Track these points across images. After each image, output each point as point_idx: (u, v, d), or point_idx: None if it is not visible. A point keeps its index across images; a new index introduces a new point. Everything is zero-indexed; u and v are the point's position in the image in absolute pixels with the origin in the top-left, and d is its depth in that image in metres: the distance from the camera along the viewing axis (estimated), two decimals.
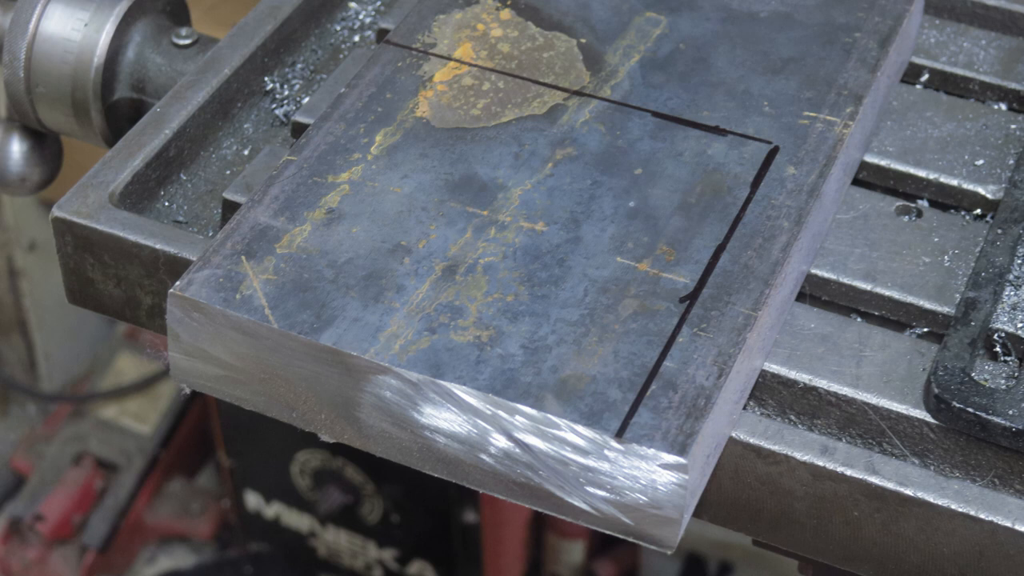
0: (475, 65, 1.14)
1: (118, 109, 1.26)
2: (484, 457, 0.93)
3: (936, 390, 0.96)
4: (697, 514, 0.99)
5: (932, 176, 1.13)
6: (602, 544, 2.47)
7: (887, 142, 1.16)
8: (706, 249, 1.00)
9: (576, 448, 0.90)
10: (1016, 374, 1.00)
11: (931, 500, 0.94)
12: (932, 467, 0.98)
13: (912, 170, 1.14)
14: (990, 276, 1.03)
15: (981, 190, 1.12)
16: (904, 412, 0.98)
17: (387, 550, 2.44)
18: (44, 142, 1.33)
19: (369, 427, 0.95)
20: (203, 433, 2.69)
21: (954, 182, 1.13)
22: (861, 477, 0.95)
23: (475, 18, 1.18)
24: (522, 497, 0.93)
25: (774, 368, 1.00)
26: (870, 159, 1.15)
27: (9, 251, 2.63)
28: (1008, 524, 0.93)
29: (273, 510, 2.51)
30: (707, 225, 1.02)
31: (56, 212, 1.09)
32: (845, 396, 0.99)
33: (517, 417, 0.91)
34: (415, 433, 0.94)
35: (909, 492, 0.95)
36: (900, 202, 1.12)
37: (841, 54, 1.15)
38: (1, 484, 2.67)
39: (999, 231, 1.07)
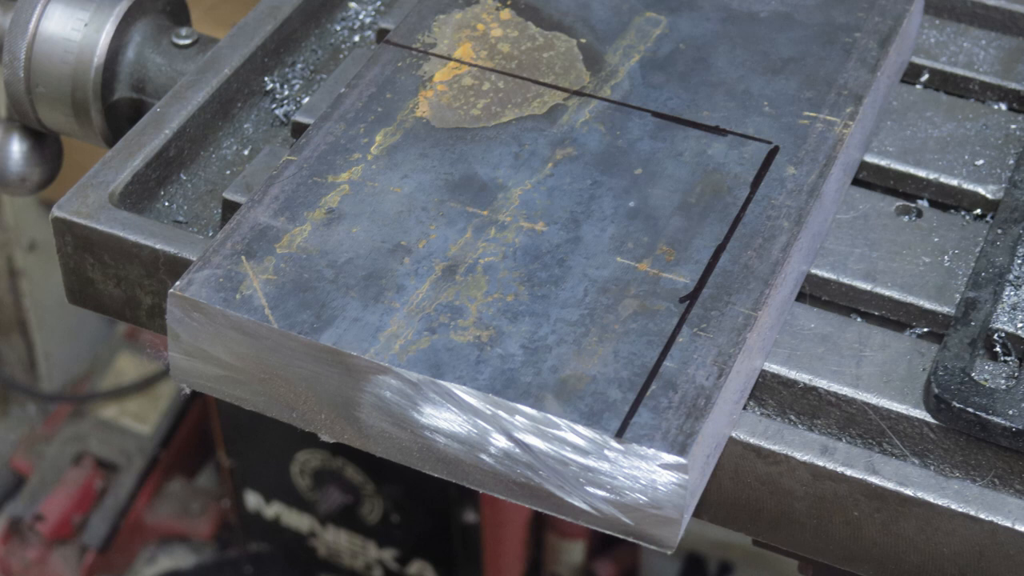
0: (475, 65, 1.14)
1: (118, 109, 1.26)
2: (484, 457, 0.93)
3: (936, 390, 0.96)
4: (697, 514, 0.99)
5: (932, 176, 1.13)
6: (602, 544, 2.47)
7: (887, 142, 1.16)
8: (706, 249, 1.00)
9: (576, 448, 0.90)
10: (1016, 374, 1.00)
11: (931, 500, 0.94)
12: (932, 467, 0.98)
13: (912, 170, 1.14)
14: (990, 276, 1.03)
15: (981, 190, 1.12)
16: (904, 412, 0.98)
17: (387, 550, 2.44)
18: (44, 142, 1.33)
19: (369, 427, 0.95)
20: (203, 433, 2.69)
21: (954, 182, 1.13)
22: (861, 477, 0.95)
23: (475, 18, 1.18)
24: (522, 497, 0.93)
25: (774, 368, 1.00)
26: (870, 159, 1.15)
27: (9, 251, 2.63)
28: (1008, 524, 0.93)
29: (273, 510, 2.51)
30: (707, 225, 1.02)
31: (56, 212, 1.09)
32: (845, 396, 0.99)
33: (517, 417, 0.91)
34: (415, 433, 0.94)
35: (909, 492, 0.95)
36: (900, 202, 1.12)
37: (841, 54, 1.15)
38: (1, 484, 2.67)
39: (999, 231, 1.07)
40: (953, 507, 0.94)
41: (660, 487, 0.89)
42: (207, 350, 0.97)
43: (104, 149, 1.22)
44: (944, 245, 1.09)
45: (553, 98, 1.11)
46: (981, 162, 1.14)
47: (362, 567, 2.50)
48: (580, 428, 0.90)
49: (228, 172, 1.17)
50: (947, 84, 1.22)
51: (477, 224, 1.02)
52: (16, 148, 1.32)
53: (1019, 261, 1.05)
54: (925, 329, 1.05)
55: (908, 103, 1.19)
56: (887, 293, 1.05)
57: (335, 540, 2.49)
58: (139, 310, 1.11)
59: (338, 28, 1.29)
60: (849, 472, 0.95)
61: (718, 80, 1.13)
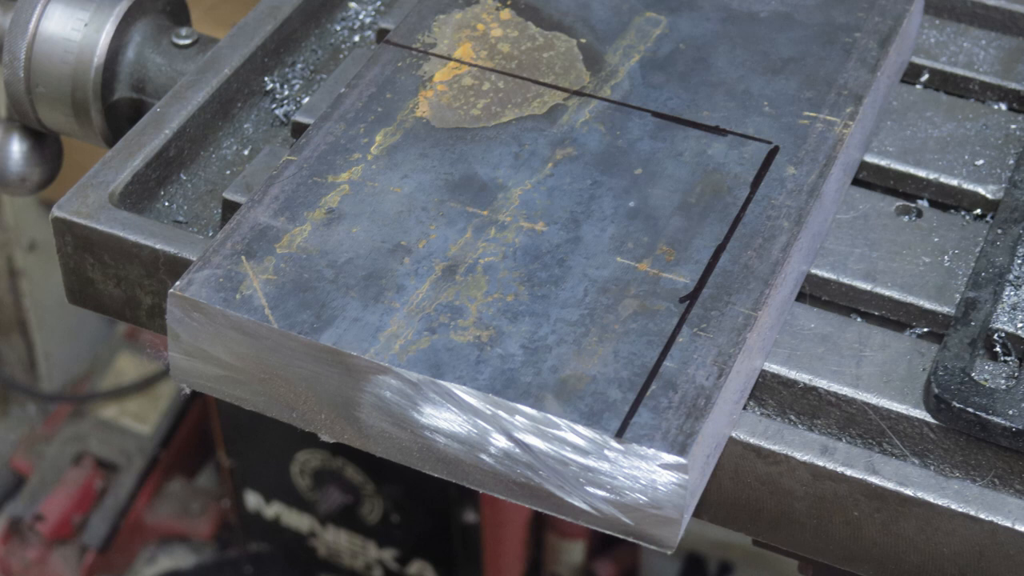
0: (475, 65, 1.14)
1: (118, 109, 1.26)
2: (484, 457, 0.93)
3: (936, 390, 0.96)
4: (697, 514, 0.99)
5: (932, 176, 1.13)
6: (602, 544, 2.47)
7: (887, 142, 1.16)
8: (706, 249, 1.00)
9: (576, 448, 0.90)
10: (1016, 374, 1.00)
11: (931, 500, 0.94)
12: (932, 467, 0.98)
13: (912, 170, 1.14)
14: (990, 276, 1.03)
15: (981, 190, 1.12)
16: (904, 412, 0.98)
17: (387, 550, 2.44)
18: (44, 142, 1.33)
19: (369, 427, 0.95)
20: (203, 433, 2.69)
21: (954, 182, 1.13)
22: (861, 477, 0.95)
23: (475, 18, 1.18)
24: (522, 497, 0.93)
25: (774, 368, 1.00)
26: (870, 159, 1.15)
27: (9, 251, 2.63)
28: (1008, 524, 0.93)
29: (273, 510, 2.51)
30: (707, 225, 1.02)
31: (56, 212, 1.09)
32: (845, 396, 0.99)
33: (517, 417, 0.91)
34: (415, 433, 0.94)
35: (909, 492, 0.95)
36: (900, 202, 1.12)
37: (841, 54, 1.15)
38: (1, 484, 2.67)
39: (999, 231, 1.07)
40: (953, 507, 0.94)
41: (660, 487, 0.89)
42: (207, 350, 0.97)
43: (104, 149, 1.22)
44: (944, 245, 1.09)
45: (553, 98, 1.11)
46: (981, 162, 1.14)
47: (362, 567, 2.50)
48: (580, 428, 0.90)
49: (228, 172, 1.17)
50: (947, 84, 1.22)
51: (477, 224, 1.02)
52: (16, 148, 1.32)
53: (1019, 261, 1.05)
54: (925, 329, 1.05)
55: (908, 103, 1.19)
56: (887, 293, 1.05)
57: (335, 540, 2.49)
58: (139, 310, 1.11)
59: (338, 28, 1.29)
60: (849, 472, 0.95)
61: (718, 80, 1.13)
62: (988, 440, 0.96)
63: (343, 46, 1.28)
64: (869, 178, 1.15)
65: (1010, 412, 0.95)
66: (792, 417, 1.01)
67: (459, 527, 2.33)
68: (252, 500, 2.52)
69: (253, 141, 1.20)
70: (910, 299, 1.05)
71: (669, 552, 0.91)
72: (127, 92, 1.26)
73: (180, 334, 0.98)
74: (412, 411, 0.93)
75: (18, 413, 2.83)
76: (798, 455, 0.96)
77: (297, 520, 2.50)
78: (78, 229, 1.09)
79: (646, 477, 0.89)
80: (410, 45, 1.15)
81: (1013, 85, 1.20)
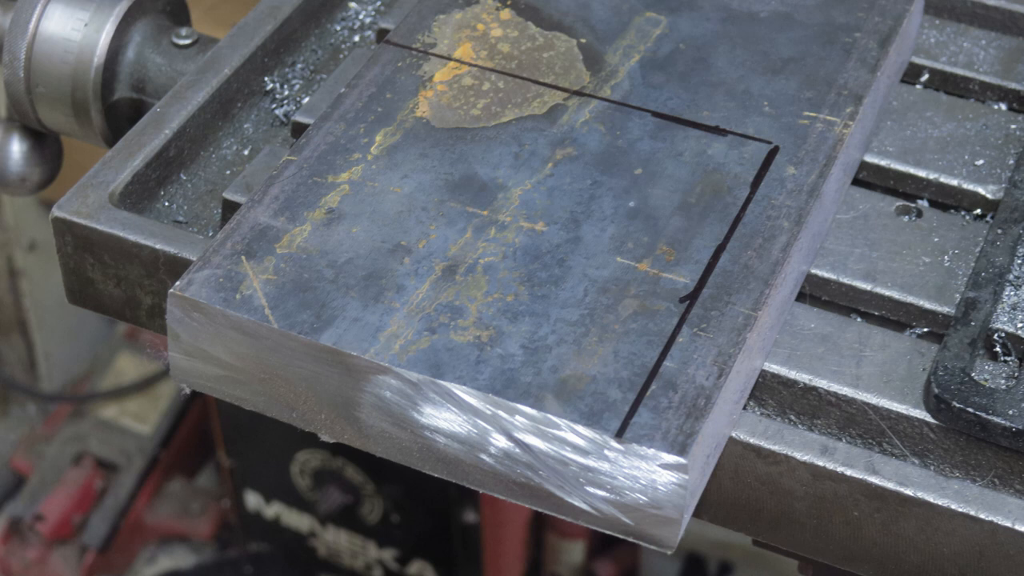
0: (475, 65, 1.14)
1: (118, 109, 1.26)
2: (484, 457, 0.93)
3: (936, 390, 0.96)
4: (697, 514, 0.99)
5: (932, 176, 1.13)
6: (602, 544, 2.47)
7: (887, 142, 1.16)
8: (706, 249, 1.00)
9: (576, 448, 0.90)
10: (1016, 374, 1.00)
11: (931, 500, 0.94)
12: (932, 467, 0.98)
13: (912, 170, 1.14)
14: (990, 276, 1.03)
15: (981, 190, 1.12)
16: (904, 412, 0.98)
17: (387, 550, 2.44)
18: (44, 142, 1.33)
19: (369, 427, 0.95)
20: (203, 433, 2.69)
21: (954, 182, 1.13)
22: (861, 477, 0.95)
23: (475, 18, 1.18)
24: (522, 497, 0.93)
25: (774, 368, 1.00)
26: (870, 159, 1.15)
27: (9, 251, 2.63)
28: (1008, 524, 0.93)
29: (273, 510, 2.51)
30: (707, 225, 1.02)
31: (56, 212, 1.09)
32: (845, 396, 0.99)
33: (517, 417, 0.91)
34: (415, 433, 0.94)
35: (909, 492, 0.95)
36: (900, 202, 1.12)
37: (841, 54, 1.15)
38: (1, 484, 2.67)
39: (999, 231, 1.07)
40: (953, 507, 0.94)
41: (660, 487, 0.89)
42: (207, 350, 0.97)
43: (104, 149, 1.22)
44: (944, 245, 1.09)
45: (553, 98, 1.11)
46: (981, 162, 1.14)
47: (362, 567, 2.50)
48: (580, 428, 0.90)
49: (228, 172, 1.17)
50: (947, 84, 1.22)
51: (477, 224, 1.02)
52: (16, 148, 1.32)
53: (1019, 261, 1.05)
54: (925, 329, 1.05)
55: (908, 103, 1.19)
56: (887, 293, 1.05)
57: (335, 540, 2.49)
58: (139, 310, 1.11)
59: (338, 28, 1.29)
60: (849, 472, 0.95)
61: (718, 80, 1.13)
62: (988, 440, 0.96)
63: (343, 46, 1.28)
64: (869, 178, 1.15)
65: (1010, 412, 0.95)
66: (792, 417, 1.01)
67: (459, 527, 2.33)
68: (252, 500, 2.52)
69: (253, 141, 1.20)
70: (910, 299, 1.05)
71: (669, 552, 0.91)
72: (127, 92, 1.26)
73: (180, 334, 0.98)
74: (412, 411, 0.93)
75: (18, 413, 2.83)
76: (798, 455, 0.96)
77: (297, 520, 2.50)
78: (78, 229, 1.09)
79: (646, 477, 0.89)
80: (410, 45, 1.15)
81: (1013, 85, 1.20)
